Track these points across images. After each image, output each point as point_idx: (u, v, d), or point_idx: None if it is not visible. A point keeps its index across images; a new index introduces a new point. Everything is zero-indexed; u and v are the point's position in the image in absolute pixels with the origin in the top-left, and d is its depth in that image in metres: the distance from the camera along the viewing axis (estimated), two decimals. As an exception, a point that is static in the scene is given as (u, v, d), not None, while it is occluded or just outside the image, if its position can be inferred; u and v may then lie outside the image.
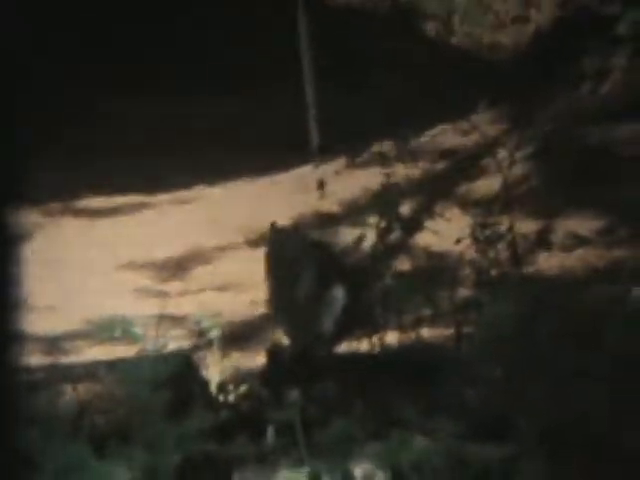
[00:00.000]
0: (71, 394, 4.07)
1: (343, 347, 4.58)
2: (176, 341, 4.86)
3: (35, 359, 4.82)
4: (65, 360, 4.95)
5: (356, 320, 4.59)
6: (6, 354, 1.50)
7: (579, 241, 6.27)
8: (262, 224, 5.69)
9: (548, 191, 6.81)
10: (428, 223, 5.57)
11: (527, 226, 6.23)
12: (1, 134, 1.54)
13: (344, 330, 4.56)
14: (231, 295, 6.09)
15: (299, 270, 4.48)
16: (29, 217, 7.31)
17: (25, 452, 2.84)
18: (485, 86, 8.03)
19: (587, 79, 7.58)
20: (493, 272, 5.20)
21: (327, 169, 7.81)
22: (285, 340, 4.65)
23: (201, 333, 4.56)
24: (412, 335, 4.88)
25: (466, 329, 4.83)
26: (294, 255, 4.49)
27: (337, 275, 4.56)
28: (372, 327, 4.73)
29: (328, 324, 4.48)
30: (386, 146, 7.34)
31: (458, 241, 5.34)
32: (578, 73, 7.63)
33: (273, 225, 4.54)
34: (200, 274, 6.59)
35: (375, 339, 4.70)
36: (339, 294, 4.49)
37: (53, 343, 5.42)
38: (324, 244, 5.02)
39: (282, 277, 4.51)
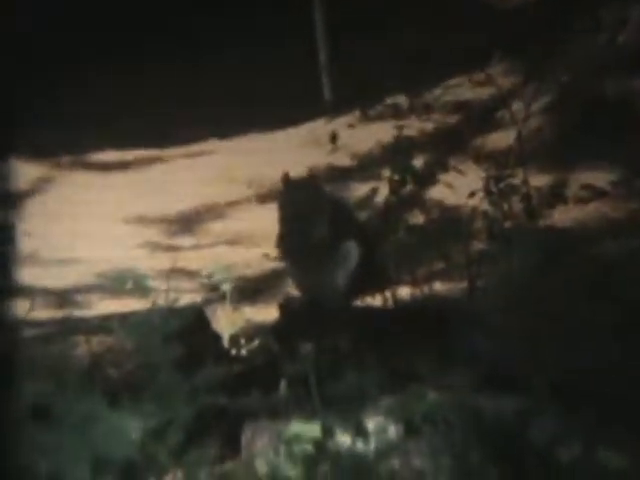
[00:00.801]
0: (84, 347, 4.07)
1: (356, 301, 4.56)
2: (188, 295, 4.86)
3: (48, 312, 4.83)
4: (77, 313, 4.95)
5: (370, 275, 4.57)
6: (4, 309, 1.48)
7: (594, 193, 6.24)
8: (274, 178, 5.66)
9: (563, 143, 6.76)
10: (442, 176, 5.53)
11: (542, 179, 6.19)
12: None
13: (358, 285, 4.53)
14: (243, 249, 6.08)
15: (311, 223, 4.44)
16: (40, 171, 7.31)
17: (40, 404, 2.85)
18: (500, 37, 7.96)
19: (604, 29, 7.49)
20: (507, 225, 5.16)
21: (340, 122, 7.76)
22: (297, 293, 4.63)
23: (213, 287, 4.55)
24: (425, 289, 4.86)
25: (479, 282, 4.81)
26: (306, 208, 4.45)
27: (351, 229, 4.53)
28: (385, 281, 4.70)
29: (342, 278, 4.45)
30: (399, 99, 7.29)
31: (472, 194, 5.31)
32: (595, 23, 7.54)
33: (285, 176, 4.49)
34: (212, 228, 6.58)
35: (388, 293, 4.68)
36: (353, 248, 4.46)
37: (65, 296, 5.43)
38: (337, 197, 4.98)
39: (294, 230, 4.47)
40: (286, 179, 4.48)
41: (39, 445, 2.71)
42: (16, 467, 2.81)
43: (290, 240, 4.46)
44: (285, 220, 4.45)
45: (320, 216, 4.42)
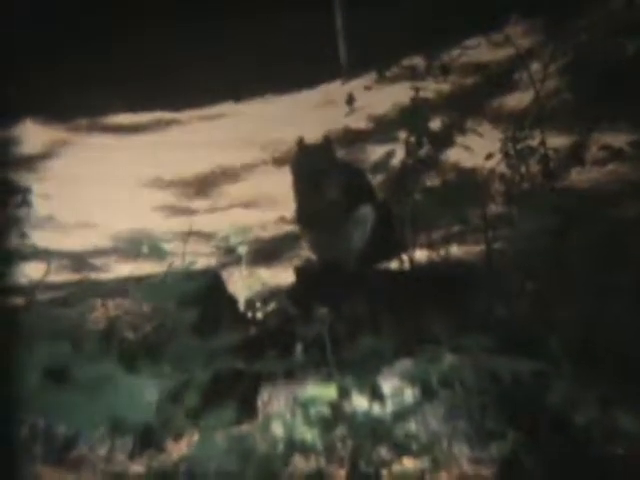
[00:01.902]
0: (100, 310, 4.08)
1: (372, 265, 4.56)
2: (204, 258, 4.86)
3: (64, 275, 4.84)
4: (94, 276, 4.96)
5: (385, 239, 4.55)
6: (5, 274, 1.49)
7: (612, 154, 6.19)
8: (290, 141, 5.64)
9: (581, 104, 6.71)
10: (458, 138, 5.50)
11: (559, 140, 6.15)
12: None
13: (373, 249, 4.53)
14: (259, 212, 6.06)
15: (326, 188, 4.43)
16: (56, 134, 7.30)
17: (56, 366, 2.85)
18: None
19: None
20: (524, 187, 5.14)
21: (356, 84, 7.72)
22: (313, 257, 4.62)
23: (229, 250, 4.54)
24: (442, 252, 4.84)
25: (497, 245, 4.79)
26: (321, 172, 4.44)
27: (365, 194, 4.52)
28: (401, 245, 4.69)
29: (357, 242, 4.44)
30: (416, 60, 7.24)
31: (489, 156, 5.28)
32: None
33: (300, 141, 4.48)
34: (227, 191, 6.57)
35: (405, 256, 4.67)
36: (368, 213, 4.45)
37: (82, 259, 5.43)
38: (351, 162, 4.97)
39: (309, 195, 4.46)
40: (300, 145, 4.47)
41: (56, 407, 2.72)
42: (32, 429, 2.83)
43: (304, 205, 4.45)
44: (299, 187, 4.45)
45: (333, 181, 4.41)
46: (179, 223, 5.28)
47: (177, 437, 3.23)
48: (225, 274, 4.51)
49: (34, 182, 5.62)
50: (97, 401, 2.82)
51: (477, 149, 5.39)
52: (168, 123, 7.62)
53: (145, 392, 3.20)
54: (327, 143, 4.62)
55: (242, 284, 4.40)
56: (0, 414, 2.07)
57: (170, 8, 8.68)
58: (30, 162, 6.66)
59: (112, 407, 2.88)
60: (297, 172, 4.47)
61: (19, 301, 3.46)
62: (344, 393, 3.41)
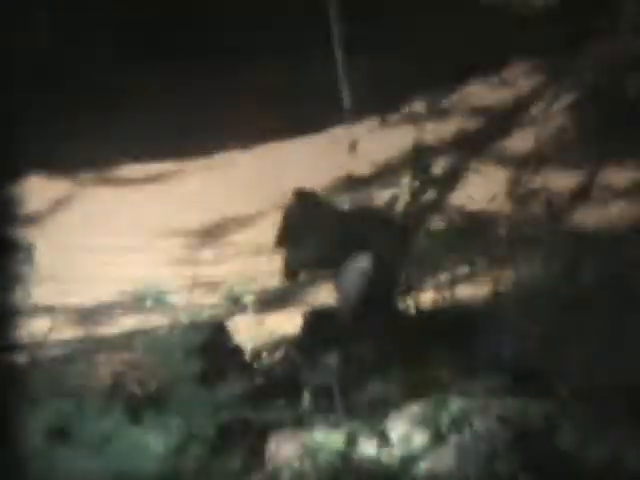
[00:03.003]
0: (105, 365, 4.06)
1: (372, 312, 4.54)
2: (210, 308, 4.84)
3: (69, 331, 4.82)
4: (99, 331, 4.95)
5: (384, 290, 4.55)
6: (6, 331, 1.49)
7: (616, 193, 6.18)
8: (294, 188, 5.65)
9: (585, 144, 6.72)
10: (462, 181, 5.50)
11: (563, 181, 6.14)
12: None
13: (371, 299, 4.52)
14: (264, 261, 6.05)
15: (314, 240, 4.46)
16: (59, 188, 7.32)
17: (59, 425, 2.84)
18: (519, 38, 7.92)
19: (626, 27, 7.44)
20: (529, 229, 5.13)
21: (359, 129, 7.75)
22: (319, 304, 4.62)
23: (235, 299, 4.54)
24: (448, 294, 4.83)
25: (502, 287, 4.78)
26: (315, 223, 4.47)
27: (364, 243, 4.52)
28: (407, 288, 4.68)
29: (354, 293, 4.44)
30: (418, 105, 7.27)
31: (493, 198, 5.28)
32: (616, 21, 7.49)
33: (296, 193, 4.52)
34: (233, 240, 6.56)
35: (410, 300, 4.66)
36: (365, 264, 4.45)
37: (87, 314, 5.42)
38: (351, 211, 4.97)
39: (296, 247, 4.49)
40: (296, 196, 4.51)
41: (60, 466, 2.71)
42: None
43: (290, 257, 4.48)
44: (287, 236, 4.47)
45: (323, 232, 4.43)
46: (185, 274, 5.28)
47: (185, 490, 3.21)
48: (231, 324, 4.50)
49: (38, 237, 5.62)
50: (102, 458, 2.82)
51: (481, 191, 5.39)
52: (172, 174, 7.64)
53: (152, 445, 3.20)
54: (316, 196, 4.65)
55: (248, 334, 4.39)
56: (4, 475, 2.06)
57: (171, 58, 8.73)
58: (34, 218, 6.68)
59: (118, 462, 2.87)
60: (287, 222, 4.50)
61: (22, 359, 3.45)
62: (352, 440, 3.40)
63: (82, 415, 3.01)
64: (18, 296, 3.59)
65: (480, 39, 8.11)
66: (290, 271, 4.52)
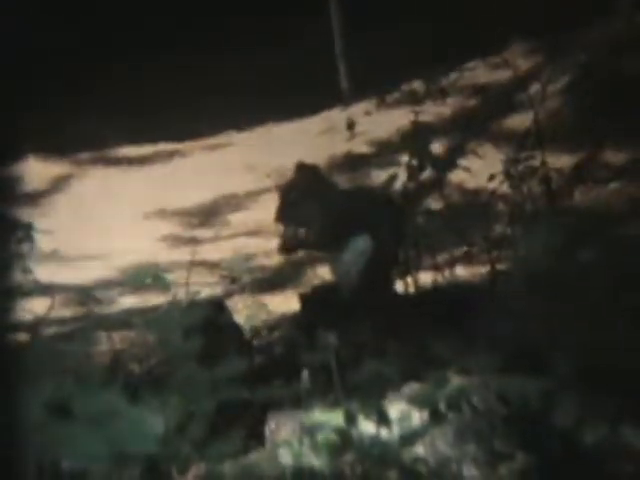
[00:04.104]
0: (105, 343, 4.07)
1: (372, 291, 4.55)
2: (208, 288, 4.85)
3: (69, 309, 4.83)
4: (98, 309, 4.96)
5: (382, 269, 4.55)
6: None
7: (615, 172, 6.18)
8: (292, 168, 5.65)
9: (582, 123, 6.71)
10: (460, 160, 5.49)
11: (561, 160, 6.14)
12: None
13: (370, 279, 4.52)
14: (263, 240, 6.06)
15: (318, 218, 4.45)
16: (59, 168, 7.32)
17: (59, 400, 2.84)
18: (517, 18, 7.90)
19: (623, 7, 7.43)
20: (527, 207, 5.13)
21: (357, 110, 7.74)
22: (317, 283, 4.62)
23: (233, 279, 4.54)
24: (447, 274, 4.84)
25: (501, 266, 4.78)
26: (315, 199, 4.45)
27: (363, 222, 4.51)
28: (406, 268, 4.68)
29: (353, 273, 4.44)
30: (416, 84, 7.25)
31: (491, 177, 5.27)
32: (613, 1, 7.48)
33: (299, 166, 4.50)
34: (231, 220, 6.57)
35: (409, 279, 4.66)
36: (363, 244, 4.44)
37: (86, 293, 5.43)
38: (350, 190, 4.97)
39: (291, 224, 4.48)
40: (298, 170, 4.49)
41: (60, 442, 2.71)
42: (39, 465, 2.81)
43: (286, 235, 4.46)
44: (284, 212, 4.46)
45: (321, 209, 4.42)
46: (183, 253, 5.28)
47: (184, 469, 3.21)
48: (230, 303, 4.50)
49: (37, 217, 5.62)
50: (101, 435, 2.81)
51: (479, 171, 5.39)
52: (170, 154, 7.63)
53: (151, 424, 3.19)
54: (318, 171, 4.63)
55: (247, 313, 4.39)
56: (5, 451, 2.07)
57: (170, 39, 8.71)
58: (34, 198, 6.68)
59: (117, 440, 2.87)
60: (287, 197, 4.49)
61: (22, 337, 3.46)
62: (351, 419, 3.40)
63: (82, 392, 3.00)
64: (18, 275, 3.60)
65: (479, 19, 8.09)
66: (287, 247, 4.51)
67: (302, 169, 4.52)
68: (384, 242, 4.55)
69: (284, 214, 4.48)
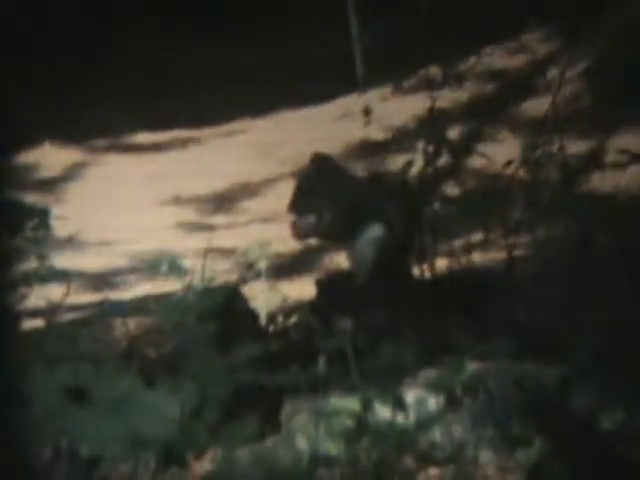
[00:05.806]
0: (121, 329, 4.08)
1: (387, 278, 4.54)
2: (224, 274, 4.85)
3: (85, 295, 4.84)
4: (114, 295, 4.97)
5: (398, 255, 4.54)
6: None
7: (633, 158, 6.15)
8: (308, 154, 5.64)
9: (600, 109, 6.68)
10: (477, 146, 5.47)
11: (579, 146, 6.11)
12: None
13: (384, 267, 4.51)
14: (278, 227, 6.05)
15: (331, 207, 4.45)
16: (74, 155, 7.33)
17: (76, 386, 2.85)
18: (535, 2, 7.86)
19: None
20: (545, 193, 5.11)
21: (373, 96, 7.71)
22: (333, 269, 4.62)
23: (249, 265, 4.53)
24: (463, 260, 4.82)
25: (518, 252, 4.77)
26: (330, 188, 4.45)
27: (377, 211, 4.51)
28: (422, 254, 4.67)
29: (367, 261, 4.43)
30: (432, 70, 7.23)
31: (508, 163, 5.25)
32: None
33: (314, 156, 4.50)
34: (247, 207, 6.56)
35: (425, 265, 4.65)
36: (377, 233, 4.44)
37: (102, 279, 5.44)
38: (364, 178, 4.96)
39: (305, 211, 4.48)
40: (313, 160, 4.49)
41: (77, 427, 2.72)
42: (55, 450, 2.82)
43: (298, 222, 4.47)
44: (303, 198, 4.46)
45: (341, 198, 4.41)
46: (199, 240, 5.28)
47: (200, 453, 3.21)
48: (246, 289, 4.50)
49: (53, 204, 5.63)
50: (118, 419, 2.82)
51: (496, 157, 5.36)
52: (186, 141, 7.63)
53: (167, 409, 3.19)
54: (333, 161, 4.63)
55: (263, 299, 4.38)
56: (21, 436, 2.07)
57: (186, 26, 8.70)
58: (50, 184, 6.69)
59: (133, 425, 2.87)
60: (302, 187, 4.49)
61: (39, 323, 3.46)
62: (367, 404, 3.39)
63: (98, 377, 3.01)
64: (34, 261, 3.60)
65: (497, 4, 8.05)
66: (299, 236, 4.52)
67: (317, 159, 4.52)
68: (399, 229, 4.54)
69: (297, 204, 4.48)
